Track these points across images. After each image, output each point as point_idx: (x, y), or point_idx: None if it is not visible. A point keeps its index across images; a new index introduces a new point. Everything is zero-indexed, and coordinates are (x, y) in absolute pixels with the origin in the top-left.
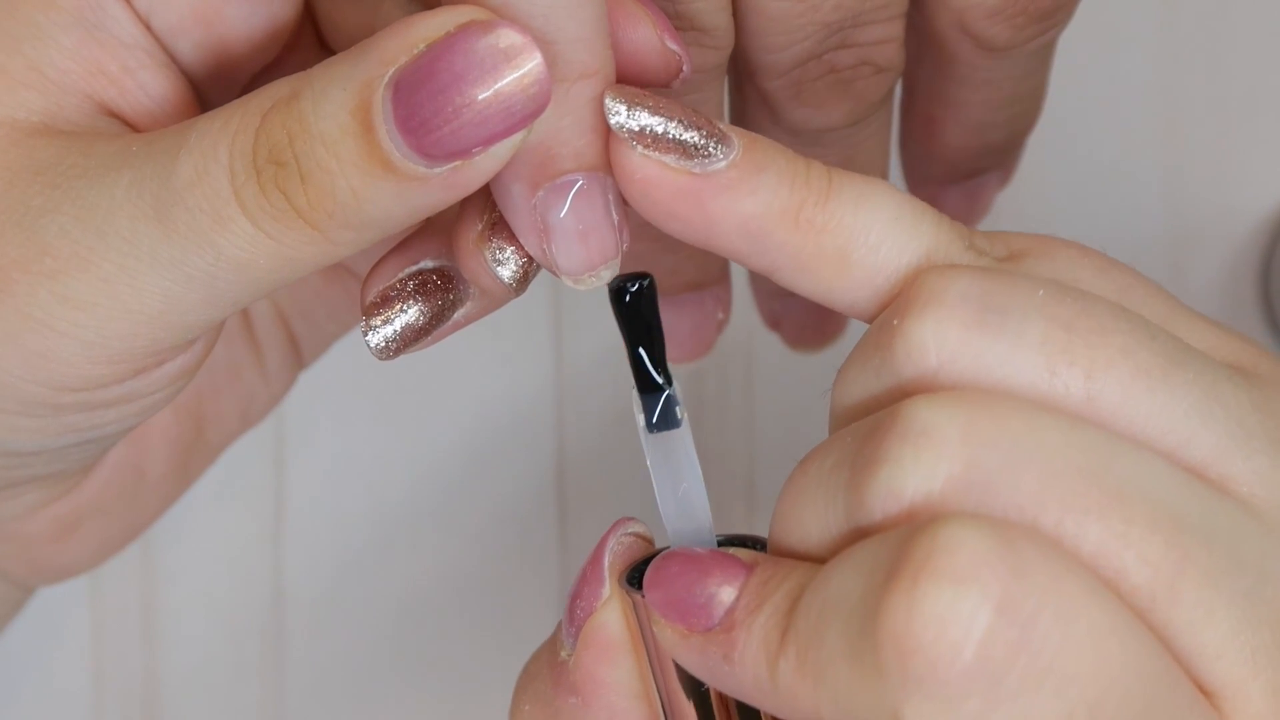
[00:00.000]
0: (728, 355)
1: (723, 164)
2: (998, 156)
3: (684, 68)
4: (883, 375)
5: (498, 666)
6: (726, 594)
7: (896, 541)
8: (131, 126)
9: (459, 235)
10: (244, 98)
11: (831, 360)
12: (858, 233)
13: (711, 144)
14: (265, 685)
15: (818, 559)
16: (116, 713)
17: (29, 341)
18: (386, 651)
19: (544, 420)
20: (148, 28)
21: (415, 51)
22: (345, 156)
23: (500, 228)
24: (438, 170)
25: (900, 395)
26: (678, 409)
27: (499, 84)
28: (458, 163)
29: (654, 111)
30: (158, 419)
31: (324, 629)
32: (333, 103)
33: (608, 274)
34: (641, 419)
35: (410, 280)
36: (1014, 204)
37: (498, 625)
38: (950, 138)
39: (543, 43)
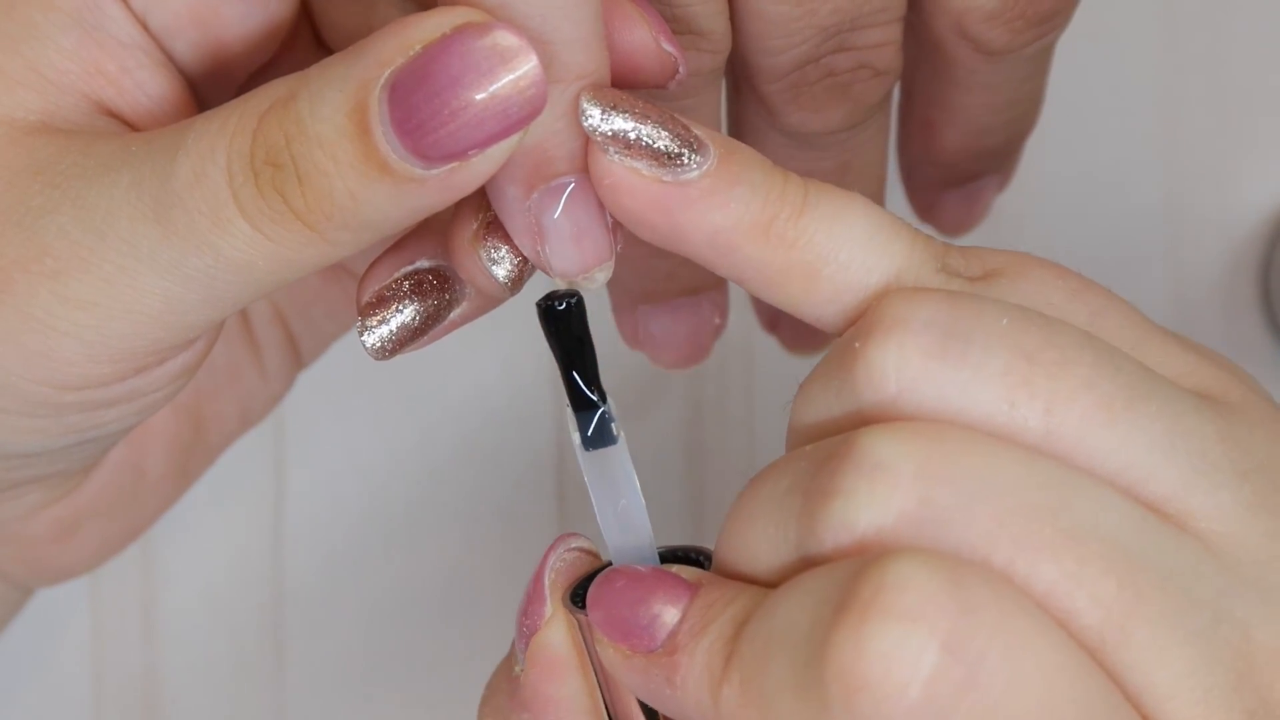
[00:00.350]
0: (727, 357)
1: (695, 174)
2: (996, 160)
3: (679, 70)
4: (842, 397)
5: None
6: (670, 615)
7: (846, 575)
8: (130, 126)
9: (454, 235)
10: (241, 99)
11: None
12: (828, 250)
13: (686, 152)
14: (265, 685)
15: (765, 583)
16: (116, 713)
17: (29, 341)
18: (386, 651)
19: (543, 419)
20: (145, 28)
21: (412, 53)
22: (342, 158)
23: (495, 228)
24: (434, 172)
25: (859, 420)
26: (613, 425)
27: (495, 86)
28: (454, 164)
29: (628, 116)
30: (157, 419)
31: (324, 629)
32: (329, 104)
33: (601, 276)
34: (577, 437)
35: (406, 280)
36: (1013, 206)
37: (498, 624)
38: (949, 141)
39: (538, 44)
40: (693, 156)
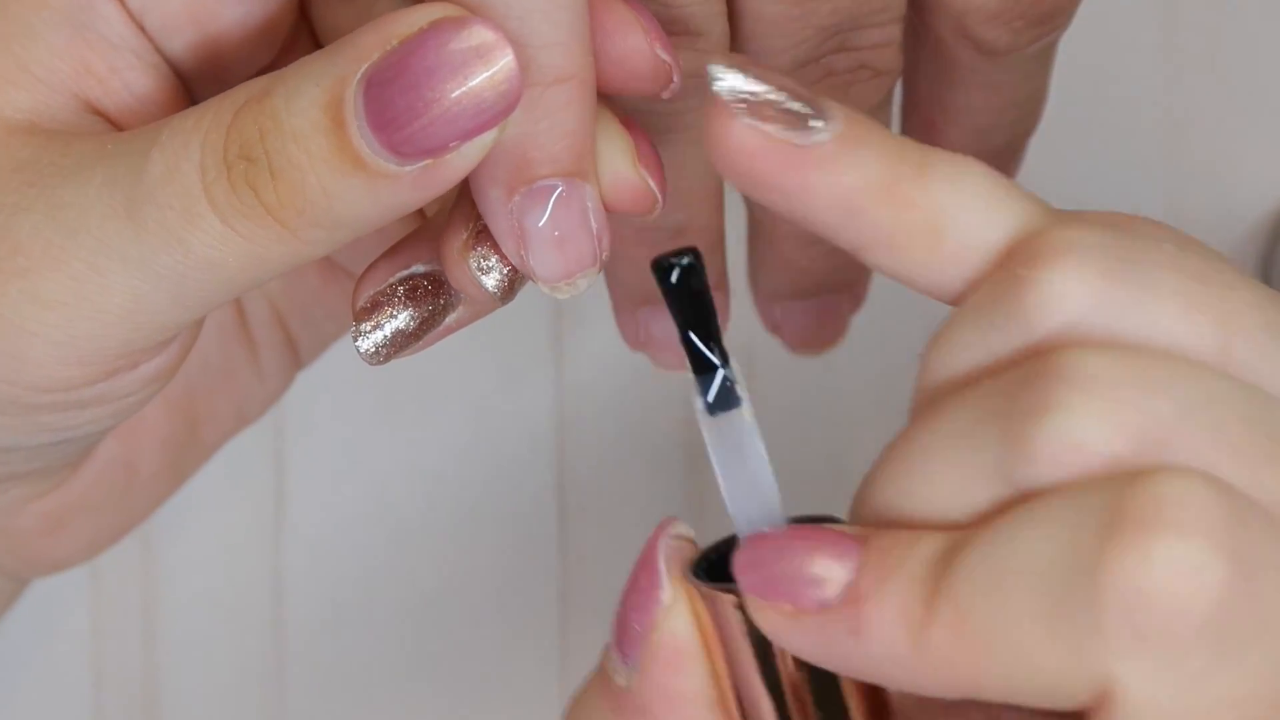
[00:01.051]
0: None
1: (825, 136)
2: (999, 160)
3: (675, 79)
4: (1010, 332)
5: (498, 665)
6: (839, 570)
7: (1106, 495)
8: (117, 126)
9: (445, 243)
10: (219, 95)
11: (834, 363)
12: (951, 209)
13: (814, 115)
14: (265, 685)
15: (947, 525)
16: (116, 712)
17: None
18: (387, 650)
19: (544, 418)
20: (140, 28)
21: (389, 47)
22: (316, 152)
23: (486, 235)
24: (408, 168)
25: (1033, 351)
26: (736, 387)
27: (469, 80)
28: (428, 161)
29: (759, 79)
30: (149, 416)
31: (324, 629)
32: (305, 98)
33: (584, 283)
34: (699, 402)
35: (401, 285)
36: None
37: (498, 624)
38: (950, 142)
39: (518, 45)
40: (819, 120)
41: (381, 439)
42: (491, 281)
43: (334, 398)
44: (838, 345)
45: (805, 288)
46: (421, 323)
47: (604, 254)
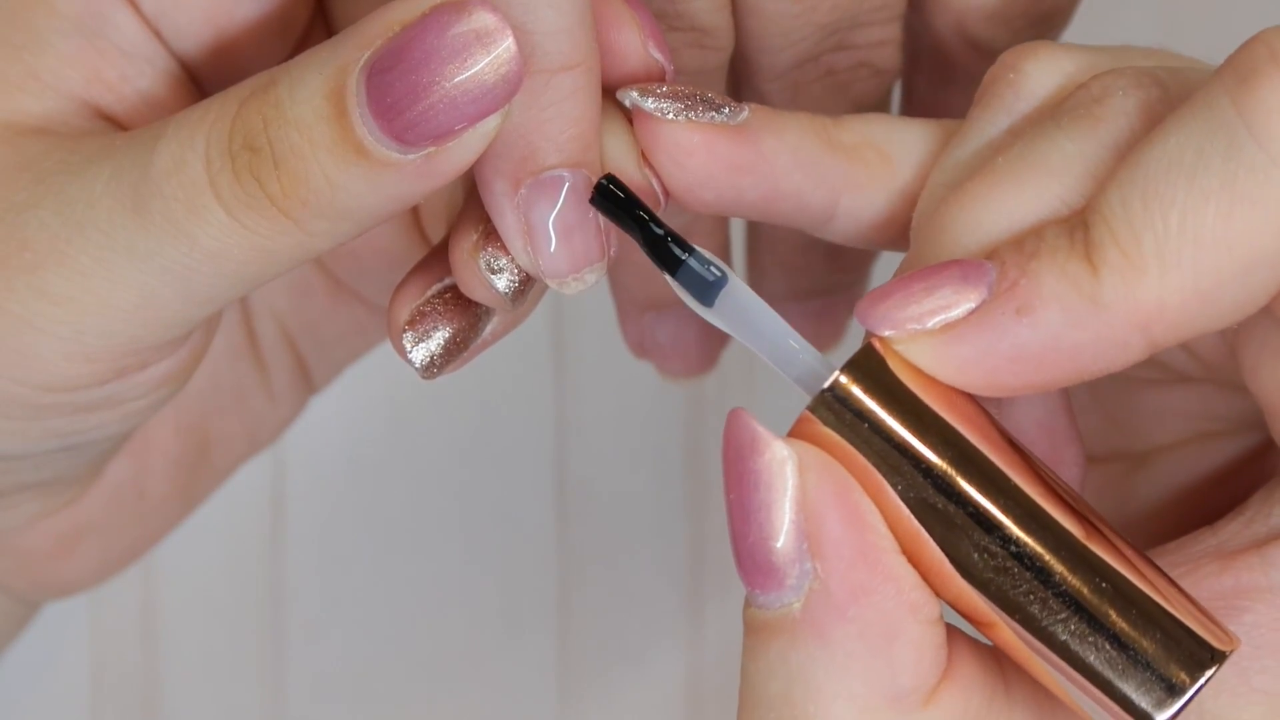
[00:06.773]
0: (727, 357)
1: (746, 113)
2: None
3: (667, 77)
4: (1014, 110)
5: (497, 665)
6: (979, 273)
7: (1226, 75)
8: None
9: (454, 245)
10: (226, 90)
11: (833, 364)
12: (882, 133)
13: (725, 104)
14: (265, 685)
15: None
16: (115, 713)
17: (6, 337)
18: (386, 651)
19: (543, 419)
20: (156, 33)
21: (391, 34)
22: (319, 141)
23: (495, 236)
24: (411, 156)
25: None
26: (711, 267)
27: (470, 64)
28: (431, 149)
29: (671, 90)
30: (159, 437)
31: (324, 629)
32: (308, 87)
33: (592, 277)
34: (691, 302)
35: (444, 293)
36: None
37: (498, 624)
38: None
39: (523, 32)
40: (731, 105)
41: (380, 440)
42: (502, 283)
43: (333, 398)
44: (835, 347)
45: (804, 290)
46: (466, 331)
47: (612, 248)
